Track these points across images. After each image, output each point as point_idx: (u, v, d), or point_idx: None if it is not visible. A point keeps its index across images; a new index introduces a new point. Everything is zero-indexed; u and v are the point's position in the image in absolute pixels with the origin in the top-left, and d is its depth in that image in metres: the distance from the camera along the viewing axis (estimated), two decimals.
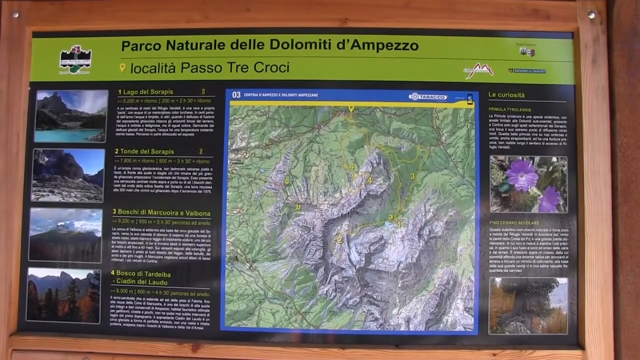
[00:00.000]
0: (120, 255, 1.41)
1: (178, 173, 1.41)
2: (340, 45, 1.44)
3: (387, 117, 1.42)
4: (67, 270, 1.42)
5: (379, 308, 1.39)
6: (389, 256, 1.40)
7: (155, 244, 1.40)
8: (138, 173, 1.42)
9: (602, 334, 1.35)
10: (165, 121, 1.43)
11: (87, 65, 1.45)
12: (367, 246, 1.40)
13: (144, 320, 1.40)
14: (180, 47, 1.45)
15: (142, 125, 1.43)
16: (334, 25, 1.43)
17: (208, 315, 1.39)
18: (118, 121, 1.43)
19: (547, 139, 1.41)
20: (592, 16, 1.41)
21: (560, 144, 1.41)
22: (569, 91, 1.42)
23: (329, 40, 1.44)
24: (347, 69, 1.43)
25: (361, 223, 1.40)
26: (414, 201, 1.40)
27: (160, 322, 1.40)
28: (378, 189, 1.41)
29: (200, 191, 1.40)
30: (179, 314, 1.39)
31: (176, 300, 1.40)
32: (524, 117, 1.41)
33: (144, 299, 1.40)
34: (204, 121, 1.42)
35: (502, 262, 1.38)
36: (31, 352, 1.39)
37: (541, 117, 1.42)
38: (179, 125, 1.42)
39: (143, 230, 1.40)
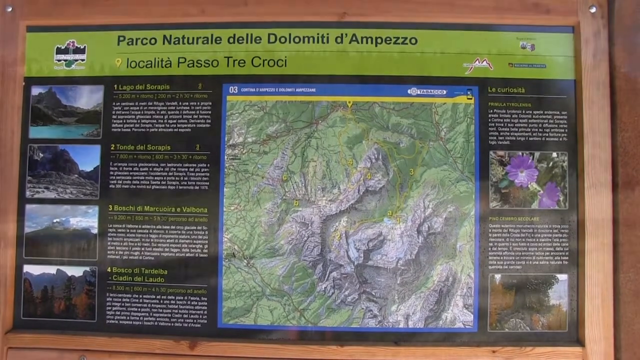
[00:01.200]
0: (116, 252, 1.40)
1: (175, 169, 1.40)
2: (339, 40, 1.42)
3: (386, 112, 1.40)
4: (62, 268, 1.41)
5: (378, 305, 1.38)
6: (387, 253, 1.39)
7: (151, 240, 1.39)
8: (134, 169, 1.40)
9: (602, 330, 1.34)
10: (162, 116, 1.41)
11: (82, 60, 1.44)
12: (365, 242, 1.39)
13: (141, 318, 1.39)
14: (176, 42, 1.43)
15: (138, 121, 1.41)
16: (332, 19, 1.41)
17: (205, 312, 1.38)
18: (114, 117, 1.42)
19: (547, 135, 1.40)
20: (593, 10, 1.40)
21: (561, 139, 1.40)
22: (569, 86, 1.41)
23: (327, 34, 1.42)
24: (345, 64, 1.41)
25: (360, 219, 1.39)
26: (413, 197, 1.39)
27: (157, 319, 1.39)
28: (377, 185, 1.39)
29: (197, 187, 1.39)
30: (176, 311, 1.38)
31: (173, 298, 1.39)
32: (523, 112, 1.40)
33: (140, 296, 1.39)
34: (200, 116, 1.40)
35: (501, 258, 1.38)
36: (27, 350, 1.38)
37: (541, 112, 1.40)
38: (175, 121, 1.41)
39: (139, 226, 1.39)
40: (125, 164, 1.40)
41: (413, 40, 1.42)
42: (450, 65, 1.41)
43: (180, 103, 1.41)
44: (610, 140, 1.36)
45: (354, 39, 1.42)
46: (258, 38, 1.42)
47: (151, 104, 1.42)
